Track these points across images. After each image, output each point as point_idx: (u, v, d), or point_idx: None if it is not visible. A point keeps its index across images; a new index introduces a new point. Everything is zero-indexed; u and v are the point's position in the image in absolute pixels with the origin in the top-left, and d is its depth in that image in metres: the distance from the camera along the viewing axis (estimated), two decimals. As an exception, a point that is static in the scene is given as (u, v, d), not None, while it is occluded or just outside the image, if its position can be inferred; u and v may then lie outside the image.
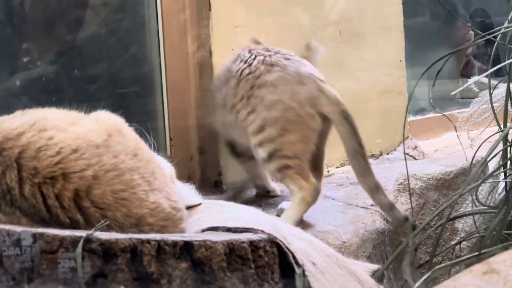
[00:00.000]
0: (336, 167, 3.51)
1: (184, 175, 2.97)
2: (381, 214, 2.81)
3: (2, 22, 2.86)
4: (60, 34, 3.03)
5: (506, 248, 1.55)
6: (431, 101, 2.27)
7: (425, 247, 3.04)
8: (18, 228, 1.48)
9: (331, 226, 2.62)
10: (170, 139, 3.07)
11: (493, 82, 2.59)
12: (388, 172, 3.27)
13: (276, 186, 3.03)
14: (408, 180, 2.77)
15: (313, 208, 2.67)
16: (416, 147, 3.94)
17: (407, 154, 3.76)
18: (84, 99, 2.97)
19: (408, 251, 1.60)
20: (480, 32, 2.24)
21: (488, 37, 2.21)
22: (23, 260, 1.44)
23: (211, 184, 3.09)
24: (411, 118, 4.36)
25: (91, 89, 3.05)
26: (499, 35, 2.25)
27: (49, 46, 2.99)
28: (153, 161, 1.85)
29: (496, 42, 2.32)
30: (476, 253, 1.60)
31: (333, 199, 2.99)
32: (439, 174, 3.25)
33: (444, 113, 2.74)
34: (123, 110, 2.00)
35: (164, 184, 1.82)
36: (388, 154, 3.80)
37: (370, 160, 3.64)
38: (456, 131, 2.61)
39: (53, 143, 1.69)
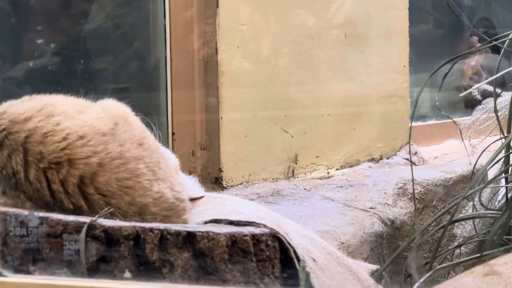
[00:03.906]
0: (336, 169, 3.52)
1: (185, 170, 2.97)
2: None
3: (8, 12, 2.86)
4: (66, 25, 3.04)
5: (508, 251, 1.55)
6: (437, 104, 2.27)
7: (422, 251, 3.05)
8: (24, 211, 1.49)
9: (330, 227, 2.62)
10: (173, 134, 3.07)
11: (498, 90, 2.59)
12: (388, 176, 3.29)
13: None
14: (413, 186, 2.77)
15: (313, 209, 2.67)
16: (416, 153, 3.94)
17: (407, 159, 3.77)
18: (87, 90, 2.97)
19: (413, 247, 1.60)
20: (487, 38, 2.25)
21: (494, 42, 2.21)
22: (28, 241, 1.45)
23: (211, 180, 3.09)
24: (412, 124, 4.36)
25: (95, 81, 3.06)
26: (507, 41, 2.26)
27: (54, 37, 2.99)
28: (158, 151, 1.85)
29: (502, 50, 2.33)
30: (478, 255, 1.60)
31: (332, 200, 2.99)
32: (438, 180, 3.26)
33: (447, 120, 2.74)
34: (126, 103, 1.99)
35: (168, 175, 1.81)
36: (388, 158, 3.80)
37: (371, 164, 3.68)
38: (461, 136, 2.61)
39: (60, 129, 1.69)
